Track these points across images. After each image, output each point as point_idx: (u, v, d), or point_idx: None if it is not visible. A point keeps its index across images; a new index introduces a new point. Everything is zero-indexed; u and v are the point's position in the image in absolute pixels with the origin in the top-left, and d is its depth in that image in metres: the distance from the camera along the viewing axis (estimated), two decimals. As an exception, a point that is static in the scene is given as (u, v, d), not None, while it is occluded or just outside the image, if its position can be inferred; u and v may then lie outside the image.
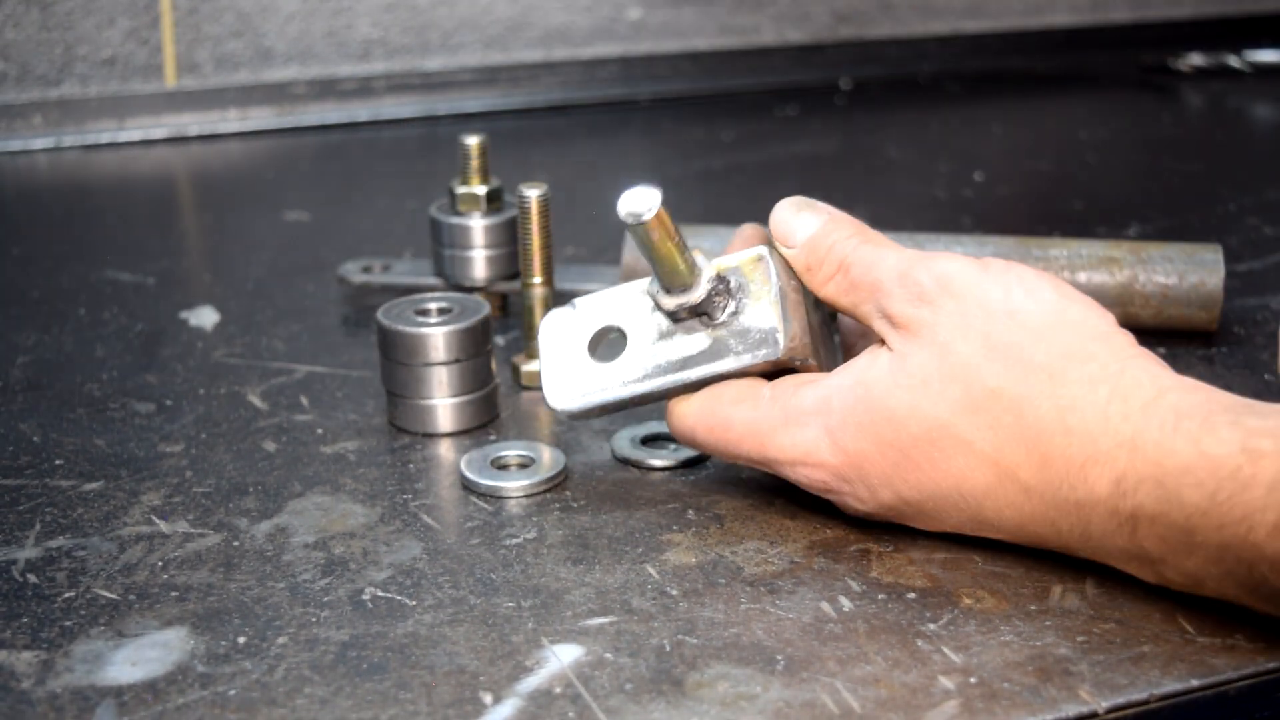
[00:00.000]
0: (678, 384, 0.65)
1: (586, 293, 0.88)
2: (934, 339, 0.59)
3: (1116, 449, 0.56)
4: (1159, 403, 0.56)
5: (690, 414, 0.65)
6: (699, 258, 0.64)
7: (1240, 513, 0.52)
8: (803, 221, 0.65)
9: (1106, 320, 0.60)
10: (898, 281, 0.61)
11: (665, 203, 0.61)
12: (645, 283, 0.66)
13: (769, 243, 0.66)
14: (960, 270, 0.60)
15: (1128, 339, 0.59)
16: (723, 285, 0.64)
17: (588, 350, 0.67)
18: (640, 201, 0.61)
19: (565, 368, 0.67)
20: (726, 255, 0.66)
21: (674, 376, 0.65)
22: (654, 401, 0.66)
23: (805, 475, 0.62)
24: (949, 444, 0.59)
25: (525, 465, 0.70)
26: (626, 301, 0.67)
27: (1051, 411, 0.57)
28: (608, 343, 0.68)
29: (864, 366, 0.61)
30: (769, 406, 0.63)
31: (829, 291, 0.64)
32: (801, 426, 0.62)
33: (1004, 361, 0.58)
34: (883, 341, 0.62)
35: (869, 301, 0.62)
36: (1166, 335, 0.83)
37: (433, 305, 0.75)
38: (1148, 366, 0.58)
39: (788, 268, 0.65)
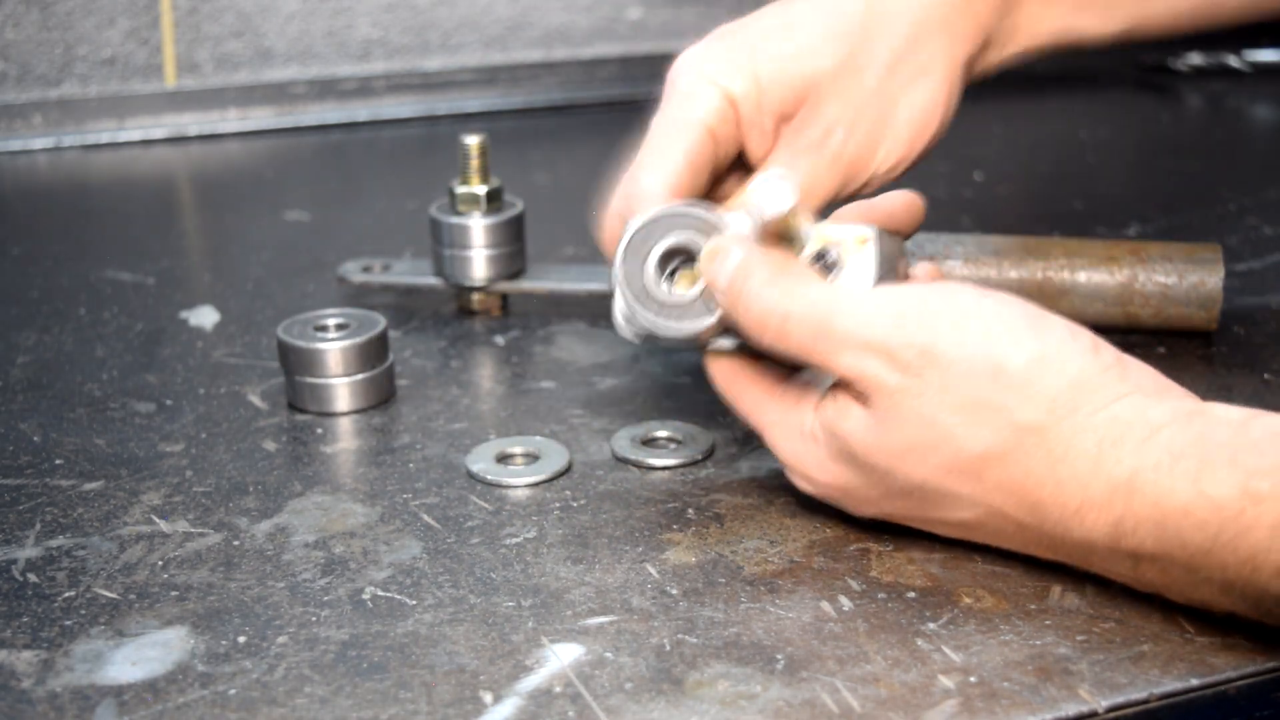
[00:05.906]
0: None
1: (587, 293, 0.88)
2: (917, 411, 0.57)
3: (1112, 494, 0.55)
4: (1153, 442, 0.54)
5: (727, 367, 0.64)
6: (805, 225, 0.63)
7: (1245, 554, 0.52)
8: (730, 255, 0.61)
9: (1092, 355, 0.57)
10: (879, 345, 0.57)
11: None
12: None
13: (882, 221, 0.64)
14: (941, 334, 0.57)
15: (1116, 371, 0.57)
16: (820, 261, 0.63)
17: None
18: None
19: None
20: (832, 225, 0.63)
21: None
22: (716, 349, 0.64)
23: (797, 484, 0.63)
24: (935, 495, 0.59)
25: (531, 459, 0.70)
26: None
27: (1042, 464, 0.56)
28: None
29: (835, 418, 0.59)
30: (791, 391, 0.62)
31: (768, 344, 0.60)
32: (798, 437, 0.62)
33: (991, 425, 0.56)
34: (843, 386, 0.60)
35: (837, 355, 0.58)
36: (1166, 335, 0.83)
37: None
38: (1137, 402, 0.56)
39: (889, 254, 0.63)
